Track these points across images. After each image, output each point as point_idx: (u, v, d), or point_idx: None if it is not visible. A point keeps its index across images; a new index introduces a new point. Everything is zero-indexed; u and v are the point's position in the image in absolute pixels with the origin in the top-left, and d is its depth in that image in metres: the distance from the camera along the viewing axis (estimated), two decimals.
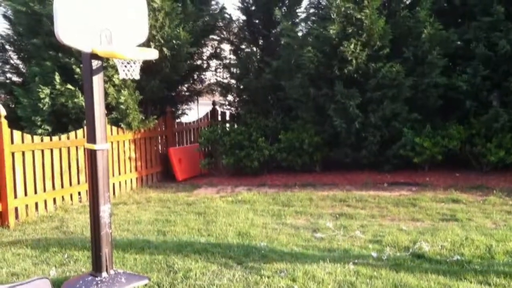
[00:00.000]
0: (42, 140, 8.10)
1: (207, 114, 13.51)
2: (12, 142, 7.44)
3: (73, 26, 4.49)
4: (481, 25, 9.96)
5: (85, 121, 9.42)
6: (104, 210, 4.87)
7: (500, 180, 9.40)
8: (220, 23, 12.82)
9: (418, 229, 6.59)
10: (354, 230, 6.62)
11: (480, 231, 6.37)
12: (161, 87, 10.74)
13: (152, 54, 4.98)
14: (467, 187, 9.01)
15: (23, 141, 7.66)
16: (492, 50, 9.82)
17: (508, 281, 4.73)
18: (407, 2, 10.82)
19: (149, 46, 9.49)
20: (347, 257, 5.57)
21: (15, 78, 11.90)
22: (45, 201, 8.13)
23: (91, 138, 4.84)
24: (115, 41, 4.82)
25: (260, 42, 12.77)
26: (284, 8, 12.12)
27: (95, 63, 4.76)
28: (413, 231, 6.48)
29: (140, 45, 5.21)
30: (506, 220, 6.95)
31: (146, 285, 4.89)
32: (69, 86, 9.54)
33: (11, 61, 11.82)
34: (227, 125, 12.76)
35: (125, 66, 4.90)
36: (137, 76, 4.94)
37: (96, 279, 4.82)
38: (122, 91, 9.67)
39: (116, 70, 9.45)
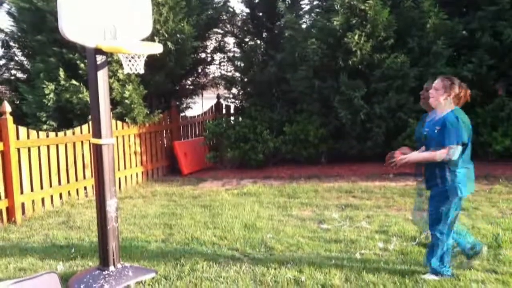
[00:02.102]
0: (47, 136, 8.12)
1: (211, 107, 13.51)
2: (17, 138, 7.45)
3: (77, 22, 4.48)
4: (486, 15, 9.91)
5: (90, 116, 9.47)
6: (111, 204, 4.88)
7: (506, 169, 9.38)
8: (224, 16, 12.81)
9: (424, 219, 6.56)
10: (360, 220, 6.61)
11: (486, 220, 6.36)
12: (165, 81, 10.75)
13: (157, 48, 4.97)
14: None
15: (28, 137, 7.68)
16: (498, 39, 9.77)
17: None
18: None
19: (153, 40, 9.48)
20: (354, 247, 5.58)
21: (19, 75, 11.94)
22: (52, 197, 8.16)
23: (97, 133, 4.85)
24: (120, 36, 4.81)
25: (264, 35, 12.76)
26: (288, 0, 12.09)
27: (100, 58, 4.75)
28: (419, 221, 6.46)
29: (144, 40, 5.20)
30: None
31: (153, 278, 4.90)
32: (73, 81, 9.56)
33: (16, 58, 11.85)
34: (232, 118, 12.77)
35: (130, 61, 4.89)
36: (141, 71, 4.93)
37: (104, 273, 4.83)
38: (127, 85, 9.68)
39: (121, 65, 9.45)
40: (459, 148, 4.39)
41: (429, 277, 4.60)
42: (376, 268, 4.93)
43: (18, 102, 10.81)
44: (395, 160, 4.77)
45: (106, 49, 4.66)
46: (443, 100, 4.56)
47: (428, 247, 4.78)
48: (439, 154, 4.42)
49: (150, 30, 5.25)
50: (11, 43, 11.74)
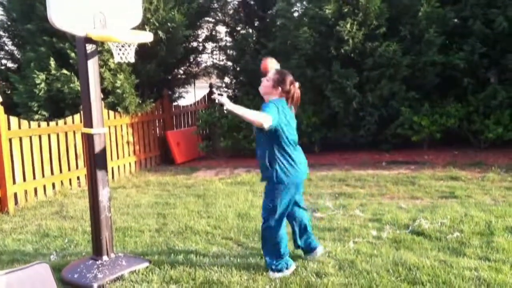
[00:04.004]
0: (39, 126, 8.06)
1: (204, 96, 13.47)
2: (9, 128, 7.41)
3: (66, 10, 4.43)
4: (478, 2, 9.90)
5: (81, 106, 9.40)
6: (103, 194, 4.87)
7: (499, 156, 9.42)
8: (215, 4, 12.74)
9: (417, 207, 6.60)
10: (353, 209, 6.62)
11: (479, 207, 6.38)
12: (157, 70, 10.69)
13: (146, 36, 4.95)
14: (466, 164, 9.01)
15: (20, 127, 7.63)
16: (490, 27, 9.76)
17: (507, 256, 4.75)
18: None
19: (144, 29, 9.41)
20: (347, 236, 5.59)
21: (10, 64, 11.84)
22: (44, 186, 8.12)
23: (88, 122, 4.82)
24: (109, 24, 4.77)
25: (256, 23, 12.70)
26: None
27: (90, 47, 4.71)
28: (412, 209, 6.49)
29: (134, 29, 5.17)
30: (505, 196, 6.97)
31: (147, 267, 4.90)
32: (64, 71, 9.48)
33: (6, 47, 11.74)
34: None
35: (120, 50, 4.86)
36: (132, 60, 4.90)
37: (97, 262, 4.83)
38: (118, 75, 9.62)
39: (112, 54, 9.38)
40: (269, 117, 4.32)
41: (272, 275, 4.59)
42: (370, 256, 4.94)
43: (9, 92, 10.73)
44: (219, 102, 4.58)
45: (95, 38, 4.63)
46: (271, 92, 4.65)
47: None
48: (261, 114, 4.36)
49: (140, 18, 5.22)
50: (1, 33, 11.64)
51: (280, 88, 4.59)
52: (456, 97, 10.22)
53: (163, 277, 4.68)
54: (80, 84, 4.88)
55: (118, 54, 4.85)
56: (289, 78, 4.65)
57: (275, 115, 4.38)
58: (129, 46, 4.87)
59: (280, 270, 4.59)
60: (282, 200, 4.53)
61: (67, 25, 4.50)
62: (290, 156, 4.51)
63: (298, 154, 4.62)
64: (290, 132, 4.54)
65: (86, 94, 4.77)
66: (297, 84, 4.67)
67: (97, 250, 4.92)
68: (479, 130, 9.83)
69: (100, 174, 4.85)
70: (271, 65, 5.17)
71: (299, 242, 4.92)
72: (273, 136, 4.45)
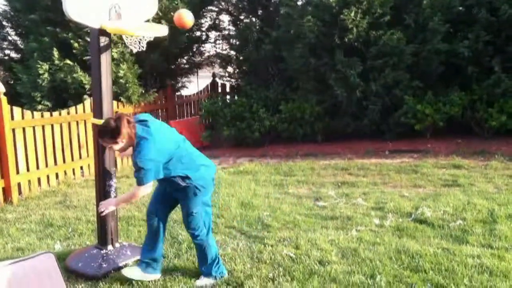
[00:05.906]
0: (42, 116, 8.07)
1: (207, 86, 13.47)
2: (12, 118, 7.41)
3: (81, 2, 4.40)
4: None
5: (85, 96, 9.40)
6: (110, 184, 4.88)
7: (502, 145, 9.40)
8: None
9: (420, 195, 6.61)
10: (356, 197, 6.63)
11: (482, 195, 6.38)
12: (160, 60, 10.68)
13: (162, 30, 4.92)
14: (469, 153, 9.00)
15: (23, 117, 7.63)
16: (494, 15, 9.70)
17: (510, 244, 4.76)
18: None
19: (154, 20, 9.39)
20: (350, 224, 5.60)
21: (13, 55, 11.86)
22: (48, 176, 8.14)
23: (98, 113, 4.82)
24: (124, 16, 4.75)
25: (259, 12, 12.66)
26: None
27: (103, 40, 4.69)
28: (415, 197, 6.50)
29: (148, 20, 5.17)
30: (508, 184, 6.96)
31: None
32: (67, 61, 9.50)
33: (9, 38, 11.76)
34: (228, 97, 12.74)
35: (131, 38, 4.86)
36: (143, 48, 4.93)
37: (102, 252, 4.85)
38: (121, 65, 9.62)
39: (115, 44, 9.39)
40: (146, 172, 3.97)
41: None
42: (372, 244, 4.95)
43: (12, 82, 10.75)
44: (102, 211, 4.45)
45: (110, 30, 4.58)
46: (125, 146, 4.08)
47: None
48: (138, 190, 4.12)
49: (155, 10, 5.20)
50: (4, 23, 11.66)
51: (122, 137, 3.98)
52: (460, 86, 10.17)
53: (167, 265, 4.71)
54: (92, 75, 4.88)
55: (131, 44, 4.86)
56: (108, 125, 4.00)
57: (151, 174, 4.00)
58: (143, 36, 4.86)
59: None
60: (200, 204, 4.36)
61: (82, 17, 4.44)
62: (195, 163, 4.39)
63: (198, 156, 4.50)
64: (182, 147, 4.40)
65: (97, 86, 4.76)
66: (125, 119, 3.99)
67: (102, 240, 4.94)
68: (483, 118, 9.80)
69: (107, 165, 4.86)
70: (186, 18, 4.74)
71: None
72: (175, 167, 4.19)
